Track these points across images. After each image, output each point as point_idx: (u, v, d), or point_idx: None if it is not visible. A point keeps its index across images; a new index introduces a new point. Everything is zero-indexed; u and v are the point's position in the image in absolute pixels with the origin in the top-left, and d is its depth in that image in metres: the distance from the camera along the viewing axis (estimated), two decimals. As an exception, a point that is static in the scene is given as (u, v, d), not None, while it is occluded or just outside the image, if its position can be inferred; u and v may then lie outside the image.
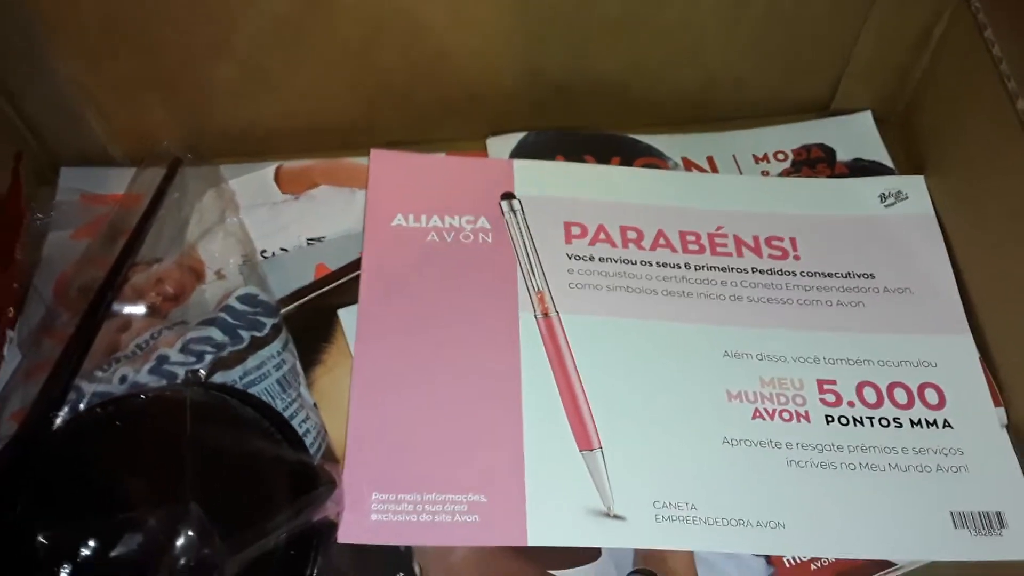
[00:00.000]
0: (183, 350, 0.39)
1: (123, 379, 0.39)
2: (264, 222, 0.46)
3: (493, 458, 0.39)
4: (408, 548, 0.37)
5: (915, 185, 0.47)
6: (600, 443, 0.39)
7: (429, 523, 0.37)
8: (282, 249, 0.45)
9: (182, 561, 0.30)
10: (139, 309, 0.41)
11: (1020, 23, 0.38)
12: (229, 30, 0.43)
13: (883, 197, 0.47)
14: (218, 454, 0.34)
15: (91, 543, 0.30)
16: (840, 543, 0.37)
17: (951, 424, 0.40)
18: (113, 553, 0.30)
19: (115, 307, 0.41)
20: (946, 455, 0.39)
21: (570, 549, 0.37)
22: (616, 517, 0.37)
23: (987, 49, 0.37)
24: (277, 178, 0.48)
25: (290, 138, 0.49)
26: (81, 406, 0.37)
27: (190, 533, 0.30)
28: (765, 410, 0.40)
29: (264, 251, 0.45)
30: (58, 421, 0.36)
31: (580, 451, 0.39)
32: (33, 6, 0.41)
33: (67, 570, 0.29)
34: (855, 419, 0.40)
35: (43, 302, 0.42)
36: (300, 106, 0.48)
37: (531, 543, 0.37)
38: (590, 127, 0.50)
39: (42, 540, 0.30)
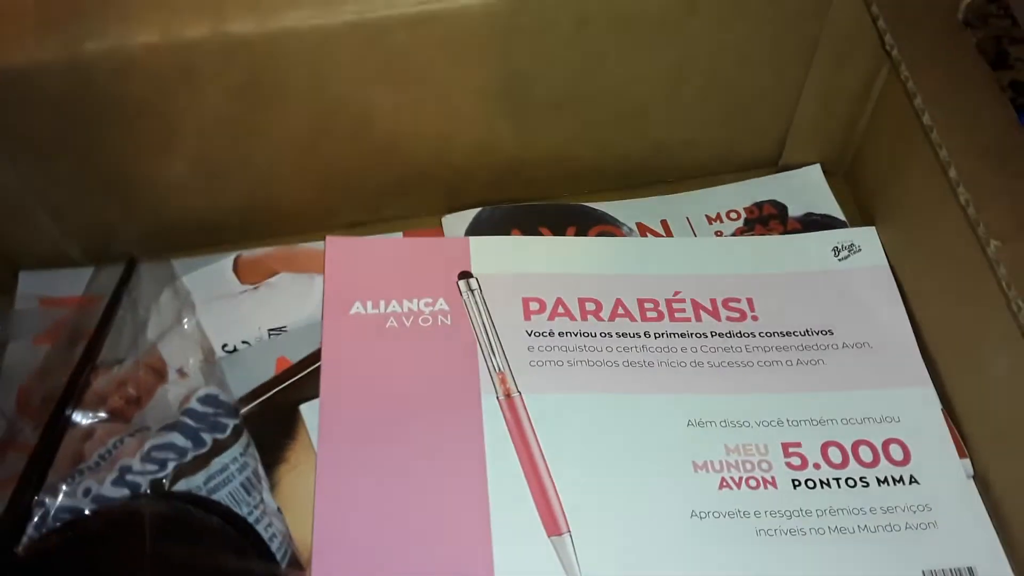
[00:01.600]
0: (145, 459, 0.39)
1: (87, 492, 0.38)
2: (224, 314, 0.46)
3: (462, 545, 0.38)
4: (381, 646, 0.37)
5: (867, 237, 0.48)
6: (568, 527, 0.39)
7: (400, 619, 0.37)
8: (244, 342, 0.45)
9: None
10: (101, 415, 0.41)
11: (945, 89, 0.39)
12: (175, 130, 0.43)
13: (836, 251, 0.47)
14: (181, 570, 0.34)
15: None
16: (813, 611, 0.38)
17: (917, 480, 0.40)
18: None
19: (78, 416, 0.40)
20: (915, 512, 0.40)
21: (543, 636, 0.37)
22: (587, 600, 0.37)
23: (919, 120, 0.38)
24: (236, 268, 0.48)
25: (245, 227, 0.49)
26: (48, 521, 0.37)
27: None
28: (732, 479, 0.40)
29: (225, 345, 0.45)
30: (24, 539, 0.36)
31: (548, 536, 0.39)
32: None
33: None
34: (821, 481, 0.40)
35: (4, 416, 0.42)
36: (253, 196, 0.48)
37: (503, 632, 0.37)
38: (545, 197, 0.50)
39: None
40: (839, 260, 0.47)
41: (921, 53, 0.41)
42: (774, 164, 0.52)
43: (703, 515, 0.39)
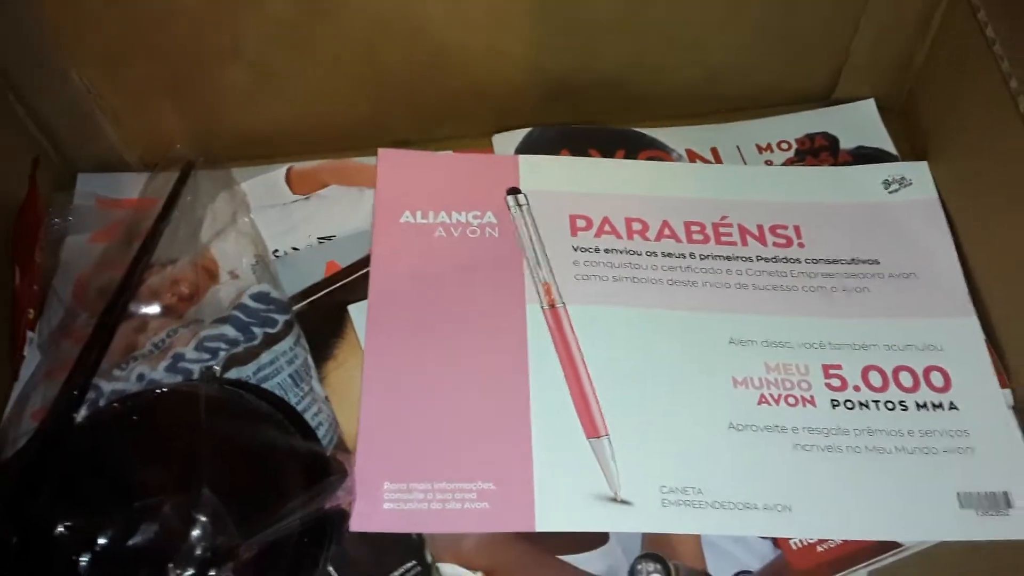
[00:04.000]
0: (198, 348, 0.40)
1: (140, 377, 0.40)
2: (275, 222, 0.47)
3: (501, 446, 0.39)
4: (420, 536, 0.38)
5: (919, 171, 0.47)
6: (607, 430, 0.39)
7: (440, 511, 0.38)
8: (293, 248, 0.46)
9: (198, 546, 0.30)
10: (155, 309, 0.42)
11: (1015, 8, 0.38)
12: (237, 34, 0.44)
13: (887, 184, 0.47)
14: (232, 445, 0.35)
15: (109, 531, 0.31)
16: (846, 525, 0.38)
17: (957, 406, 0.40)
18: (130, 540, 0.31)
19: (132, 308, 0.42)
20: (952, 437, 0.40)
21: (578, 534, 0.38)
22: (623, 502, 0.38)
23: (983, 35, 0.37)
24: (288, 179, 0.49)
25: (299, 139, 0.50)
26: (100, 403, 0.38)
27: (203, 519, 0.31)
28: (771, 395, 0.41)
29: (276, 250, 0.46)
30: (78, 418, 0.37)
31: (587, 438, 0.39)
32: (50, 17, 0.42)
33: (87, 557, 0.30)
34: (861, 403, 0.41)
35: (62, 304, 0.43)
36: (308, 107, 0.49)
37: (539, 529, 0.37)
38: (594, 122, 0.50)
39: (63, 529, 0.31)
40: (889, 193, 0.47)
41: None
42: (827, 98, 0.51)
43: (741, 427, 0.40)
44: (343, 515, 0.36)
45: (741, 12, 0.46)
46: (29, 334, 0.42)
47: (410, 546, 0.37)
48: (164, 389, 0.37)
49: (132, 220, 0.46)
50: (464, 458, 0.39)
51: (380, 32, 0.45)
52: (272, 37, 0.45)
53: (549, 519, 0.37)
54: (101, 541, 0.30)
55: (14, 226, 0.44)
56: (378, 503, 0.37)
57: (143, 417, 0.36)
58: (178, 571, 0.30)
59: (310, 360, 0.41)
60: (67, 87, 0.46)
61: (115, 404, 0.37)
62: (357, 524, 0.37)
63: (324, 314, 0.43)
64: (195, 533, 0.30)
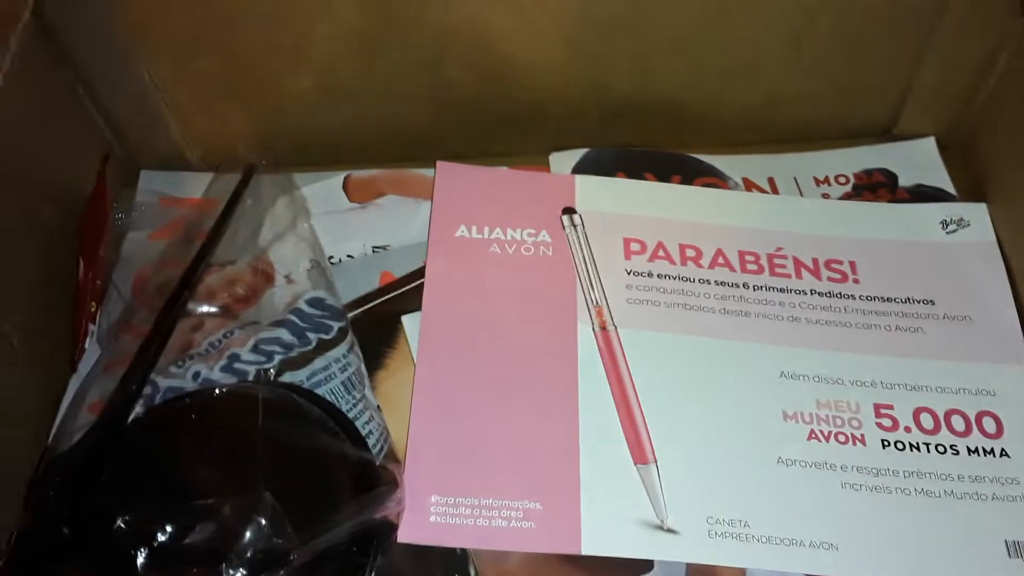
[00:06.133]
0: (254, 350, 0.41)
1: (196, 375, 0.40)
2: (332, 229, 0.47)
3: (549, 466, 0.39)
4: (464, 551, 0.38)
5: (977, 212, 0.47)
6: (655, 457, 0.39)
7: (486, 527, 0.38)
8: (348, 256, 0.47)
9: (255, 548, 0.31)
10: (212, 309, 0.43)
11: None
12: (305, 39, 0.45)
13: (945, 224, 0.47)
14: (287, 449, 0.35)
15: (167, 528, 0.31)
16: (893, 568, 0.38)
17: (1008, 453, 0.40)
18: (188, 538, 0.31)
19: (190, 306, 0.42)
20: (1003, 484, 0.39)
21: (623, 560, 0.38)
22: (669, 531, 0.38)
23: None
24: (345, 187, 0.50)
25: (358, 147, 0.50)
26: (156, 399, 0.39)
27: (263, 521, 0.31)
28: (821, 432, 0.40)
29: (331, 257, 0.47)
30: (134, 413, 0.38)
31: (635, 464, 0.39)
32: (122, 12, 0.43)
33: (144, 553, 0.31)
34: (911, 444, 0.40)
35: (122, 299, 0.44)
36: (370, 116, 0.49)
37: (585, 552, 0.37)
38: (652, 145, 0.51)
39: (120, 524, 0.32)
40: (947, 233, 0.47)
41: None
42: (887, 133, 0.51)
43: (789, 462, 0.40)
44: (391, 526, 0.36)
45: (804, 39, 0.46)
46: (91, 327, 0.43)
47: (454, 561, 0.37)
48: (223, 389, 0.38)
49: (193, 219, 0.46)
50: (511, 476, 0.39)
51: (447, 43, 0.45)
52: (341, 43, 0.45)
53: (595, 543, 0.37)
54: (160, 538, 0.31)
55: (81, 221, 0.45)
56: (425, 516, 0.38)
57: (200, 416, 0.36)
58: (231, 571, 0.31)
59: (363, 368, 0.42)
60: (136, 83, 0.47)
61: (173, 402, 0.37)
62: (404, 536, 0.37)
63: (377, 323, 0.44)
64: (253, 534, 0.31)
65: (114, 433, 0.36)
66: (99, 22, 0.44)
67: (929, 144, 0.50)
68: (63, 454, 0.36)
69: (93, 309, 0.43)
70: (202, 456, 0.35)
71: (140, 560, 0.31)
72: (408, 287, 0.45)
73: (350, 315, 0.44)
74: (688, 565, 0.38)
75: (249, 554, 0.31)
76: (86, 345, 0.42)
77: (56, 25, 0.43)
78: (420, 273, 0.45)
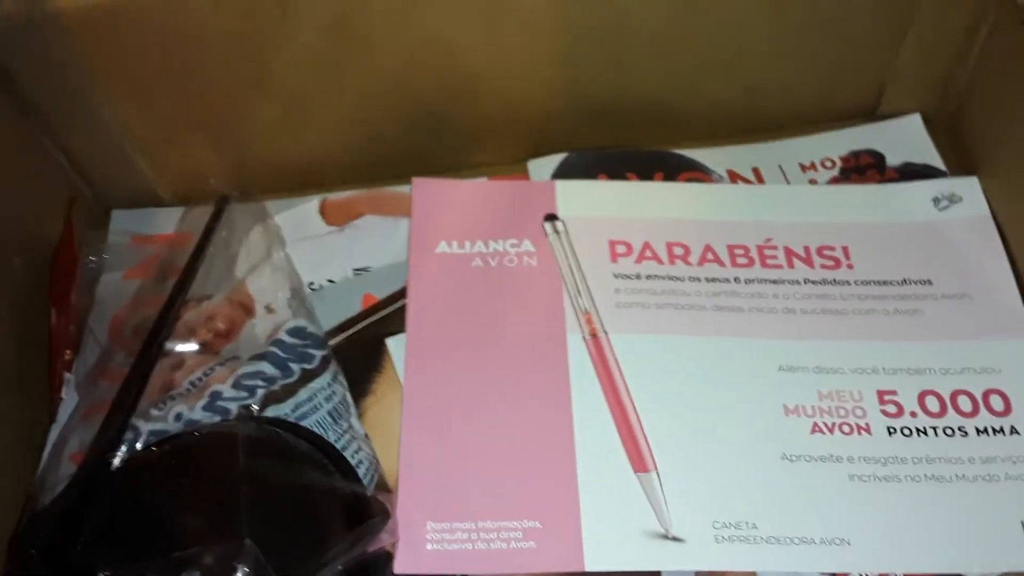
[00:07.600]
0: (235, 385, 0.40)
1: (178, 417, 0.39)
2: (310, 255, 0.46)
3: (547, 483, 0.38)
4: (464, 577, 0.37)
5: (969, 187, 0.46)
6: (655, 464, 0.38)
7: (484, 551, 0.37)
8: (329, 281, 0.46)
9: (238, 598, 0.30)
10: (192, 347, 0.42)
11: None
12: (267, 66, 0.44)
13: (936, 201, 0.46)
14: (272, 488, 0.34)
15: (150, 581, 0.30)
16: (908, 557, 0.36)
17: (1018, 431, 0.39)
18: (171, 590, 0.30)
19: (168, 346, 0.41)
20: (1014, 463, 0.38)
21: (629, 573, 0.36)
22: (675, 539, 0.37)
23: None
24: (322, 210, 0.49)
25: (332, 170, 0.49)
26: (138, 445, 0.38)
27: (246, 570, 0.30)
28: (824, 424, 0.39)
29: (311, 283, 0.45)
30: (116, 460, 0.37)
31: (635, 473, 0.38)
32: (82, 54, 0.42)
33: (127, 608, 0.30)
34: (918, 429, 0.39)
35: (98, 343, 0.43)
36: (340, 138, 0.48)
37: (589, 568, 0.36)
38: (631, 145, 0.50)
39: (103, 579, 0.31)
40: (939, 210, 0.46)
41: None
42: (871, 114, 0.50)
43: (794, 458, 0.38)
44: (386, 558, 0.35)
45: (780, 27, 0.45)
46: (66, 375, 0.42)
47: (454, 588, 0.36)
48: (202, 431, 0.37)
49: (167, 256, 0.46)
50: (508, 496, 0.38)
51: (413, 59, 0.44)
52: (303, 67, 0.44)
53: (599, 558, 0.36)
54: (142, 591, 0.30)
55: (50, 267, 0.44)
56: (421, 544, 0.37)
57: (181, 461, 0.35)
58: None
59: (349, 397, 0.41)
60: (100, 125, 0.45)
61: (153, 447, 0.36)
62: (400, 567, 0.36)
63: (362, 348, 0.43)
64: (235, 584, 0.30)
65: (96, 484, 0.35)
66: (58, 67, 0.43)
67: (915, 121, 0.49)
68: (45, 508, 0.35)
69: (68, 356, 0.42)
70: (185, 502, 0.34)
71: (123, 615, 0.30)
72: (391, 308, 0.44)
73: (333, 341, 0.43)
74: (697, 573, 0.36)
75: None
76: (63, 394, 0.41)
77: (13, 73, 0.42)
78: (403, 293, 0.44)
